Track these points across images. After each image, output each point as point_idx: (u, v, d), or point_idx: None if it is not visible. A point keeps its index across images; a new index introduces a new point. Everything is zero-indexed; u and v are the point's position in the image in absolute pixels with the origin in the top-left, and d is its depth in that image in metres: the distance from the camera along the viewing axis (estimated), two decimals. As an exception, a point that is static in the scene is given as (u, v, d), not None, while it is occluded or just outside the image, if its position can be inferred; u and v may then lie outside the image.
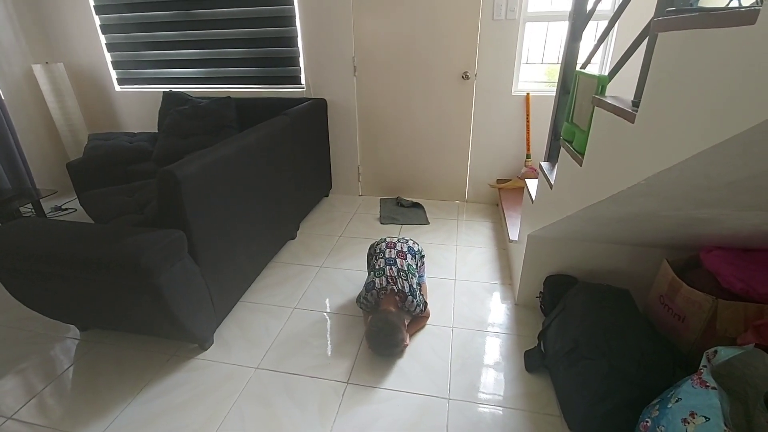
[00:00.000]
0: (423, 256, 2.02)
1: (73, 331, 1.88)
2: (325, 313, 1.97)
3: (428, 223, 2.87)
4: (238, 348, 1.76)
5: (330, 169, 3.32)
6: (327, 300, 2.07)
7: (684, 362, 1.32)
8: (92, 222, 1.92)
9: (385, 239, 1.97)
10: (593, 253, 1.74)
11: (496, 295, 2.08)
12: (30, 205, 2.84)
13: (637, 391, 1.22)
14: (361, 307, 1.82)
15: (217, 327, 1.84)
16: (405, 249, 1.90)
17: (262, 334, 1.83)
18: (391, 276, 1.73)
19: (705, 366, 1.08)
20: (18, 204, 2.69)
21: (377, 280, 1.73)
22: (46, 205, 3.16)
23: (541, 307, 1.90)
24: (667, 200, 0.99)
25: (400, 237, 2.03)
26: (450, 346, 1.74)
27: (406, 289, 1.71)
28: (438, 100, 2.95)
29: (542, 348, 1.63)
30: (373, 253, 1.95)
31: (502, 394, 1.52)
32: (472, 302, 2.02)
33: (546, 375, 1.58)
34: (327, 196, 3.38)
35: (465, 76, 2.82)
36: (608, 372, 1.25)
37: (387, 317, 1.63)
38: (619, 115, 0.96)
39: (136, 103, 3.49)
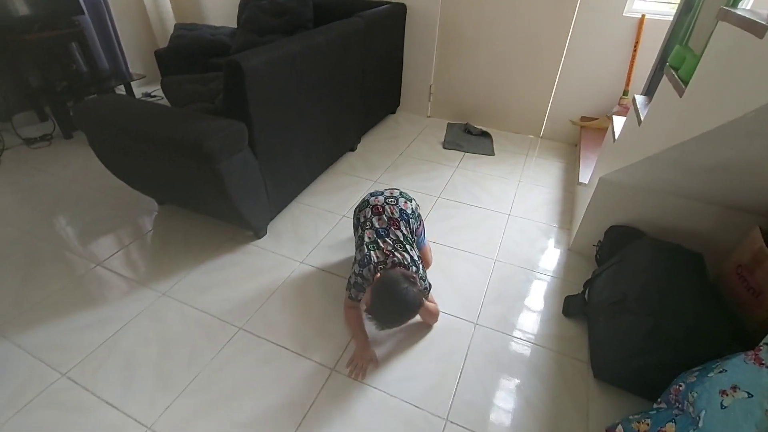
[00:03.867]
0: (419, 215, 1.63)
1: (152, 203, 2.12)
2: (371, 225, 2.02)
3: (493, 154, 2.71)
4: (288, 242, 1.88)
5: (400, 84, 3.17)
6: (375, 213, 2.10)
7: (744, 340, 1.19)
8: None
9: (369, 201, 1.58)
10: (669, 207, 1.54)
11: (550, 238, 1.97)
12: (123, 87, 3.08)
13: (677, 356, 1.13)
14: (350, 296, 1.44)
15: (272, 219, 1.97)
16: (396, 214, 1.53)
17: (311, 233, 1.93)
18: (386, 250, 1.42)
19: (766, 344, 0.96)
20: (113, 83, 2.94)
21: (372, 254, 1.41)
22: (137, 91, 3.42)
23: (596, 256, 1.78)
24: (780, 148, 0.81)
25: (387, 195, 1.60)
26: (488, 277, 1.72)
27: (408, 261, 1.40)
28: (531, 17, 2.59)
29: (586, 296, 1.55)
30: (358, 223, 1.58)
31: (532, 331, 1.50)
32: (522, 239, 1.94)
33: (582, 322, 1.52)
34: (394, 112, 3.28)
35: (569, -11, 2.42)
36: (651, 330, 1.16)
37: (394, 274, 1.32)
38: (747, 30, 0.76)
39: (219, -6, 3.49)
